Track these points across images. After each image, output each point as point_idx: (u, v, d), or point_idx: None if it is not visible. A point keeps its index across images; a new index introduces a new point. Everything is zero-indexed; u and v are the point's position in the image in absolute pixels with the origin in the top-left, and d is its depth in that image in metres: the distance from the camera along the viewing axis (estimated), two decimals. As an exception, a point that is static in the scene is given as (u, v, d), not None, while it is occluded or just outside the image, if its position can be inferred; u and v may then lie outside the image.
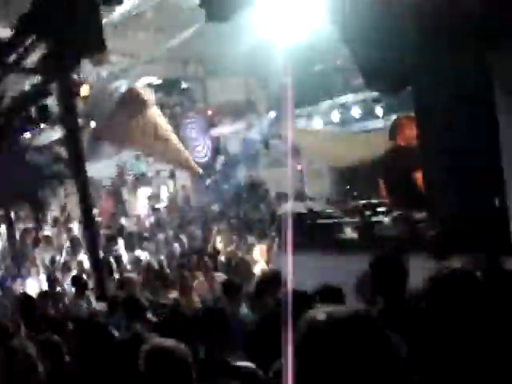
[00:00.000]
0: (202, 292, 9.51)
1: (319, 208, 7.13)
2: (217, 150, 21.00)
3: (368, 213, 6.26)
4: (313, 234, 6.68)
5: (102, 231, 16.02)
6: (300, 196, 15.01)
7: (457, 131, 5.32)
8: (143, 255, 13.64)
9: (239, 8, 6.99)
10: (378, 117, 14.84)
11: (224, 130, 21.17)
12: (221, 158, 22.02)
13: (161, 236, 15.01)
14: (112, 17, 13.07)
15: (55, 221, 18.79)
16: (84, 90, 9.96)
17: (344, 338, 1.74)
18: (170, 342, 3.18)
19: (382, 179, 7.31)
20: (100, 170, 21.29)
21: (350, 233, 6.52)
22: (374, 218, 6.32)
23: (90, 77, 13.67)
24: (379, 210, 6.43)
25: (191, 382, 3.12)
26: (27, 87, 12.20)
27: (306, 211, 6.97)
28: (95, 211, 18.71)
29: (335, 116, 15.92)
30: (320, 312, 1.82)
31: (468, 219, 5.06)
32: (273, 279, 5.61)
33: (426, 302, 2.98)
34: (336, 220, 6.79)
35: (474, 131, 5.32)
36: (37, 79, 11.39)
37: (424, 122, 5.77)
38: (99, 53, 11.53)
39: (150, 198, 21.16)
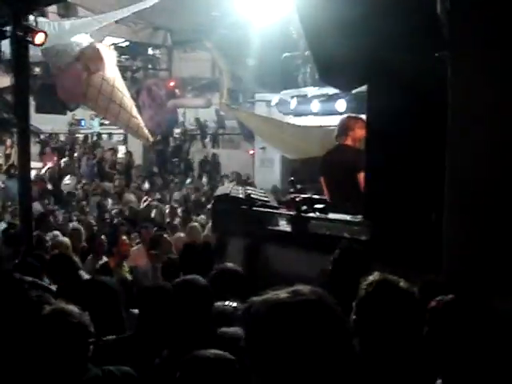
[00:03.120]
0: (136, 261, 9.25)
1: (256, 195, 6.94)
2: (173, 122, 20.72)
3: (304, 207, 6.11)
4: (246, 220, 6.53)
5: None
6: (244, 180, 14.86)
7: (404, 139, 5.21)
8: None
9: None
10: (338, 114, 14.64)
11: (183, 103, 20.91)
12: (176, 131, 21.76)
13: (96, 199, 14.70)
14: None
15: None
16: (39, 38, 9.58)
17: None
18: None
19: (323, 176, 7.18)
20: (52, 122, 20.83)
21: (284, 225, 6.37)
22: (311, 214, 6.17)
23: (51, 27, 13.20)
24: (317, 206, 6.26)
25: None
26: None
27: (242, 196, 6.80)
28: (38, 164, 18.35)
29: (294, 106, 15.70)
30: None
31: (400, 230, 4.95)
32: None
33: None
34: (271, 210, 6.64)
35: (421, 141, 5.21)
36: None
37: (373, 124, 5.65)
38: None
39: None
